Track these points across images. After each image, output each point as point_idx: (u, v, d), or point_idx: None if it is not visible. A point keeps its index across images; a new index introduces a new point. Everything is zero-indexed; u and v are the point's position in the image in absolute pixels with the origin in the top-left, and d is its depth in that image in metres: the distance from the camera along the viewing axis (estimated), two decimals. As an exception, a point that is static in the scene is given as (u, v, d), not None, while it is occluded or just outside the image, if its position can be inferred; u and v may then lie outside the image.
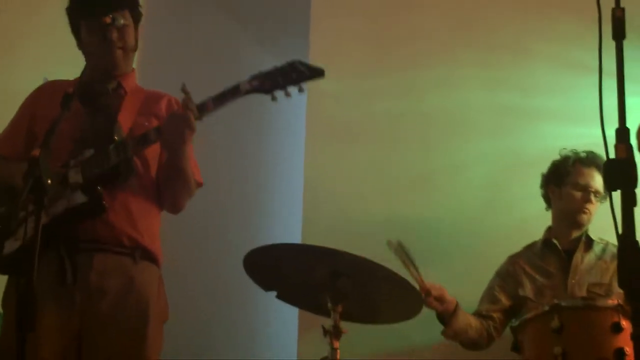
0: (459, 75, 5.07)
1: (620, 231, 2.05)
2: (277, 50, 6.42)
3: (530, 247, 4.40)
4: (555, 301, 3.55)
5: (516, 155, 4.73)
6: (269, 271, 3.55)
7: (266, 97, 3.19)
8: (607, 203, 2.14)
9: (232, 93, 3.20)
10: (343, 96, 5.02)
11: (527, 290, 4.23)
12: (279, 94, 3.18)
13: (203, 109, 3.20)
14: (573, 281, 4.17)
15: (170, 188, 3.43)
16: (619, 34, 2.20)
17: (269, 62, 6.54)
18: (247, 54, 6.32)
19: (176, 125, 3.21)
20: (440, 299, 4.01)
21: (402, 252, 3.91)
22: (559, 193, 4.33)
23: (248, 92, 3.19)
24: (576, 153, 4.33)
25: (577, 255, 4.23)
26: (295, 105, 5.81)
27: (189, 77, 5.15)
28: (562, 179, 4.30)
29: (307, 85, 5.22)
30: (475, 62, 5.06)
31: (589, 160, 4.28)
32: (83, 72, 3.28)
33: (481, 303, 4.32)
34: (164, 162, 3.40)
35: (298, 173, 5.19)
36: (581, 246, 4.26)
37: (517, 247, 4.45)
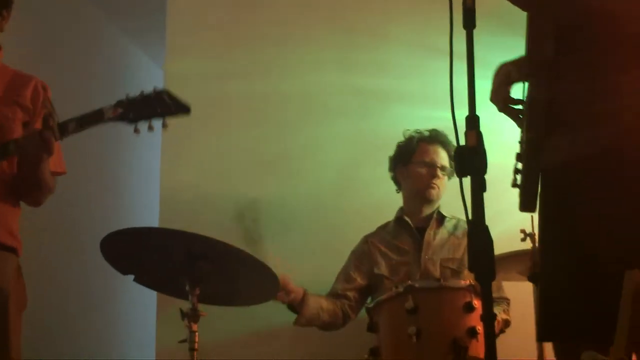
0: (316, 57, 5.09)
1: (470, 217, 2.10)
2: (135, 31, 6.35)
3: (384, 227, 4.49)
4: (409, 282, 3.62)
5: (372, 137, 4.80)
6: (126, 255, 3.54)
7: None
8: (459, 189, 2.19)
9: (96, 118, 3.13)
10: (200, 76, 4.96)
11: (382, 268, 4.31)
12: (142, 125, 3.13)
13: (64, 131, 3.12)
14: (426, 257, 4.28)
15: (29, 193, 3.38)
16: (469, 24, 2.25)
17: (126, 42, 6.48)
18: (105, 35, 6.22)
19: (34, 146, 3.12)
20: (286, 290, 4.05)
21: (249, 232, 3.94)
22: (406, 172, 4.42)
23: (112, 120, 3.12)
24: (419, 132, 4.44)
25: (429, 232, 4.35)
26: (153, 84, 5.76)
27: (45, 57, 5.07)
28: (408, 158, 4.40)
29: (164, 65, 5.21)
30: (332, 43, 5.09)
31: (432, 137, 4.39)
32: None
33: (336, 282, 4.39)
34: (22, 170, 3.32)
35: (155, 155, 5.14)
36: (433, 223, 4.37)
37: (372, 226, 4.53)
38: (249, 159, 4.97)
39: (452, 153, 4.15)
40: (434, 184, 4.33)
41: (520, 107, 2.75)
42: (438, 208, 4.41)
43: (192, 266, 3.38)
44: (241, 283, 3.62)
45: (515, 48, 4.34)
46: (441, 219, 4.40)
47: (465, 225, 4.14)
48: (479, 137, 2.13)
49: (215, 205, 4.81)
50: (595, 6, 2.46)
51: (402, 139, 4.51)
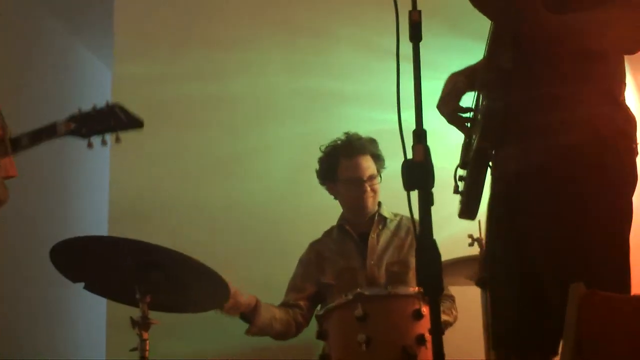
0: (264, 59, 5.11)
1: (418, 231, 2.12)
2: (82, 31, 6.29)
3: (329, 233, 4.50)
4: (358, 290, 3.64)
5: (320, 139, 4.76)
6: (76, 263, 3.54)
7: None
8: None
9: (49, 133, 3.12)
10: (149, 80, 4.96)
11: (328, 275, 4.32)
12: (96, 140, 3.15)
13: (17, 146, 3.11)
14: (372, 262, 4.29)
15: None
16: (415, 36, 2.26)
17: (75, 44, 6.40)
18: (55, 37, 6.17)
19: None
20: (236, 303, 4.02)
21: None
22: (336, 189, 4.40)
23: (65, 134, 3.12)
24: (337, 146, 4.37)
25: (372, 236, 4.34)
26: (100, 88, 5.73)
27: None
28: (333, 176, 4.37)
29: (112, 67, 5.18)
30: (279, 45, 5.12)
31: (351, 150, 4.31)
32: None
33: (287, 293, 4.38)
34: None
35: (104, 160, 5.10)
36: (375, 226, 4.36)
37: (322, 227, 4.53)
38: (199, 162, 4.98)
39: (376, 151, 4.30)
40: (365, 196, 4.29)
41: (467, 115, 2.79)
42: (378, 209, 4.39)
43: (142, 274, 3.38)
44: (192, 291, 3.61)
45: (459, 49, 4.43)
46: (383, 220, 4.39)
47: (408, 223, 4.26)
48: (426, 151, 2.15)
49: (165, 210, 4.81)
50: (553, 23, 2.50)
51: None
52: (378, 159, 4.33)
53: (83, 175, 6.16)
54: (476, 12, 2.55)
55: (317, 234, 4.53)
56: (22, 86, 5.30)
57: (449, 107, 2.79)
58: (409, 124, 2.19)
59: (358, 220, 4.39)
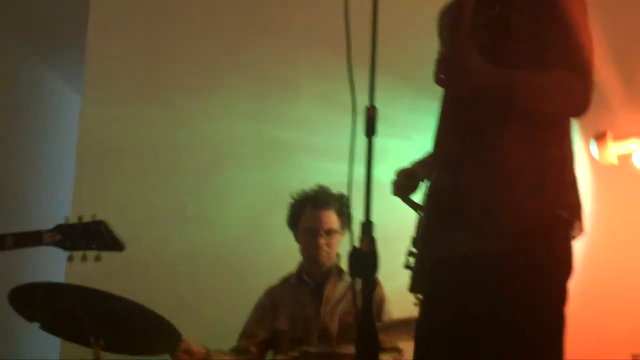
0: (228, 106, 5.23)
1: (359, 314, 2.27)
2: (55, 70, 6.36)
3: (286, 280, 4.56)
4: (305, 347, 3.76)
5: (279, 187, 4.86)
6: (33, 305, 3.65)
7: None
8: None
9: (33, 240, 3.21)
10: (115, 122, 5.07)
11: (282, 322, 4.38)
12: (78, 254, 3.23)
13: (1, 245, 3.19)
14: (325, 312, 4.36)
15: None
16: (370, 132, 2.40)
17: (51, 81, 6.40)
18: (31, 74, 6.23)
19: None
20: (187, 353, 4.06)
21: None
22: (297, 235, 4.51)
23: (49, 244, 3.21)
24: (306, 195, 4.48)
25: (328, 287, 4.42)
26: (69, 134, 5.76)
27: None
28: (296, 222, 4.48)
29: (80, 108, 5.27)
30: (244, 93, 5.24)
31: (317, 201, 4.43)
32: None
33: (240, 338, 4.43)
34: None
35: (66, 203, 5.16)
36: (331, 278, 4.44)
37: (279, 274, 4.61)
38: (161, 205, 5.08)
39: (342, 208, 4.36)
40: (320, 249, 4.38)
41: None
42: (336, 263, 4.47)
43: (97, 321, 3.51)
44: (145, 337, 3.75)
45: (418, 107, 4.57)
46: (340, 272, 4.46)
47: None
48: (371, 242, 2.30)
49: (124, 254, 4.89)
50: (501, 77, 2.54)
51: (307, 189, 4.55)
52: (343, 216, 4.40)
53: (44, 215, 6.18)
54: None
55: (276, 279, 4.61)
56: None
57: (404, 193, 2.90)
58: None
59: (315, 269, 4.47)
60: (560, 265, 2.62)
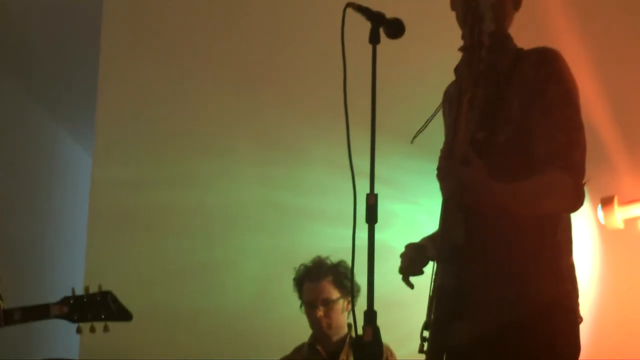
0: (237, 170, 5.29)
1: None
2: (65, 119, 6.45)
3: (299, 350, 4.56)
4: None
5: (289, 252, 4.93)
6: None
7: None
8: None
9: (41, 314, 3.28)
10: (127, 185, 5.15)
11: None
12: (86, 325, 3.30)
13: (9, 319, 3.25)
14: (339, 383, 4.36)
15: None
16: (371, 219, 2.47)
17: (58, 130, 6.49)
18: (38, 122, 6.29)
19: None
20: None
21: None
22: (303, 308, 4.55)
23: (57, 317, 3.28)
24: (303, 269, 4.53)
25: (342, 357, 4.41)
26: (78, 192, 5.84)
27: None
28: (300, 296, 4.54)
29: (91, 171, 5.34)
30: (254, 158, 5.31)
31: (312, 275, 4.48)
32: None
33: None
34: None
35: (79, 260, 5.22)
36: (345, 347, 4.43)
37: (290, 340, 4.62)
38: (171, 269, 5.14)
39: (339, 276, 4.40)
40: (320, 321, 4.41)
41: None
42: (349, 332, 4.46)
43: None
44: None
45: (426, 171, 4.61)
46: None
47: (386, 351, 4.34)
48: (375, 332, 2.35)
49: (137, 316, 4.93)
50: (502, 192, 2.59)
51: (319, 254, 4.58)
52: (341, 283, 4.43)
53: (58, 269, 6.24)
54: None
55: (285, 346, 4.62)
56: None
57: (412, 272, 2.93)
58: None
59: (327, 340, 4.47)
60: (571, 349, 2.67)
